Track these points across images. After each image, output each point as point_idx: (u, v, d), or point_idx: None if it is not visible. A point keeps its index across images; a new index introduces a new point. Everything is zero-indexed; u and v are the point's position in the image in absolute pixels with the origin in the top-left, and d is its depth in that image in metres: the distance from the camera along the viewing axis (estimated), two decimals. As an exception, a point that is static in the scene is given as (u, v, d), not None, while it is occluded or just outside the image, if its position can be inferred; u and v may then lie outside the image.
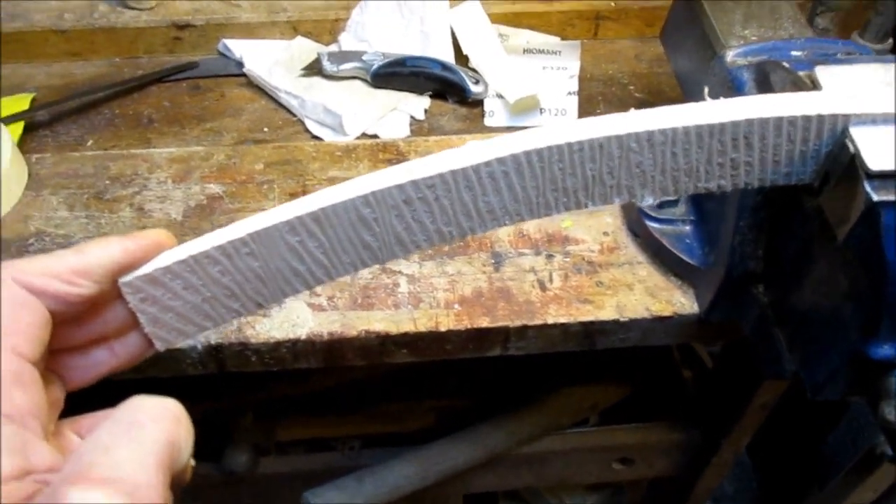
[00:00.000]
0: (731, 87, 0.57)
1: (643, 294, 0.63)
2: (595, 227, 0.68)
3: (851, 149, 0.41)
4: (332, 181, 0.71)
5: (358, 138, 0.80)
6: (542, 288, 0.64)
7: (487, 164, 0.41)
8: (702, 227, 0.64)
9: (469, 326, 0.62)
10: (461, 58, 0.87)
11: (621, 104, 0.87)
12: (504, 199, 0.43)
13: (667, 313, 0.63)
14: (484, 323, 0.62)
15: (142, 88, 0.86)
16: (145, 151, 0.74)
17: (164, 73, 0.88)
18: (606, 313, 0.63)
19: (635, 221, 0.67)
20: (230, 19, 0.89)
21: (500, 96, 0.84)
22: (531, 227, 0.68)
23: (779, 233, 0.55)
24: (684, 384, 1.13)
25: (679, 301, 0.63)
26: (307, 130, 0.82)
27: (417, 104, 0.84)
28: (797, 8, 0.67)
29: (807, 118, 0.42)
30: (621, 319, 0.62)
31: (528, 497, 1.44)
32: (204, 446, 0.97)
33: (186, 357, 0.61)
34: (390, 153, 0.74)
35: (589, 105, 0.86)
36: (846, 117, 0.42)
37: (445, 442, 0.99)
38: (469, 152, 0.41)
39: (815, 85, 0.46)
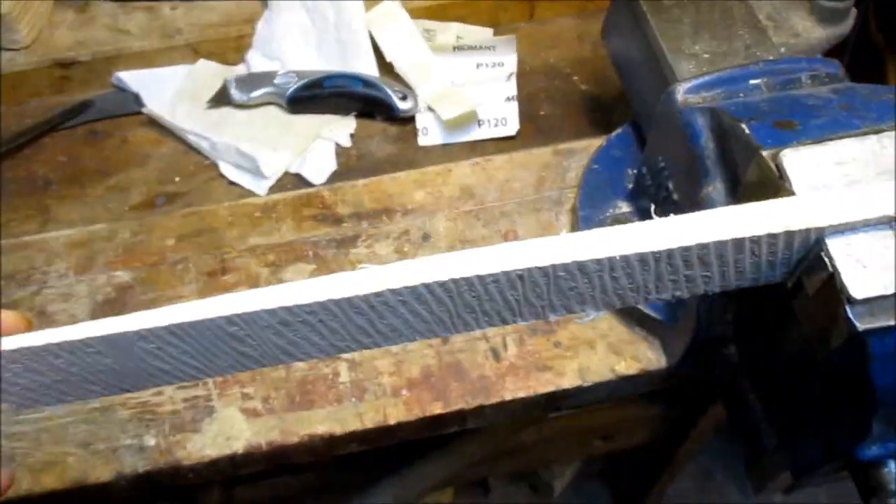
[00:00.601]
0: (686, 134, 0.50)
1: (606, 352, 0.58)
2: (548, 274, 0.62)
3: (829, 268, 0.35)
4: (254, 251, 0.64)
5: (280, 180, 0.72)
6: (497, 357, 0.58)
7: (378, 294, 0.35)
8: (664, 273, 0.58)
9: (420, 416, 0.56)
10: (385, 66, 0.78)
11: (565, 101, 0.79)
12: (409, 321, 0.37)
13: (633, 371, 0.58)
14: (436, 409, 0.56)
15: (33, 142, 0.77)
16: (40, 238, 0.66)
17: (57, 120, 0.78)
18: (568, 380, 0.57)
19: (591, 266, 0.61)
20: (120, 49, 0.78)
21: (432, 109, 0.76)
22: (478, 282, 0.62)
23: (749, 298, 0.49)
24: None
25: (646, 356, 0.58)
26: (222, 175, 0.73)
27: (342, 129, 0.76)
28: (749, 8, 0.58)
29: (773, 235, 0.35)
30: (584, 385, 0.57)
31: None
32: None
33: (112, 488, 0.55)
34: (315, 207, 0.66)
35: (531, 105, 0.78)
36: (821, 229, 0.35)
37: (424, 461, 0.95)
38: (357, 279, 0.35)
39: (780, 174, 0.39)
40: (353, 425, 0.56)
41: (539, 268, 0.35)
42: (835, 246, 0.35)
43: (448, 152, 0.75)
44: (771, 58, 0.54)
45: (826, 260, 0.35)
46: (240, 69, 0.80)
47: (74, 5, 0.82)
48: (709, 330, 0.52)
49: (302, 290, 0.34)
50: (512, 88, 0.77)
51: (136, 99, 0.78)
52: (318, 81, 0.75)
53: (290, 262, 0.63)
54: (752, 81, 0.51)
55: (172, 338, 0.34)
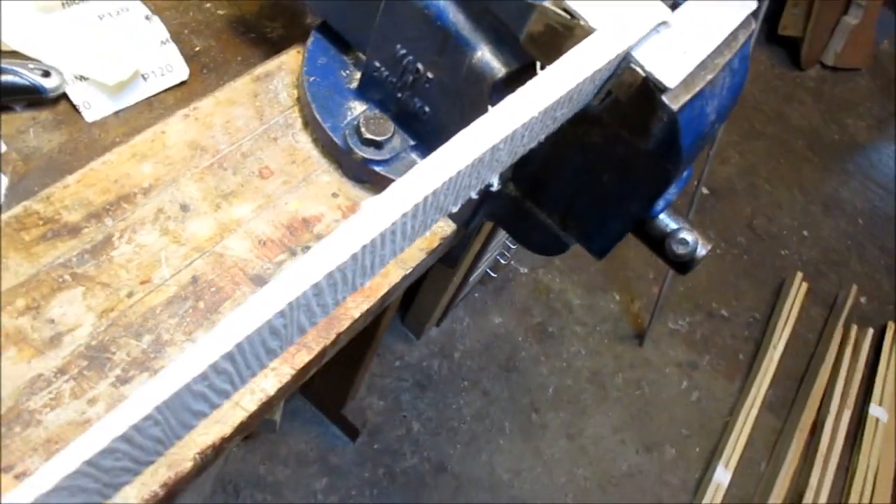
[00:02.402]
0: (430, 15, 0.54)
1: (409, 238, 0.62)
2: (321, 194, 0.62)
3: (641, 72, 0.45)
4: (-7, 305, 0.50)
5: (-59, 219, 0.56)
6: (327, 286, 0.58)
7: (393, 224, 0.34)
8: (425, 149, 0.63)
9: (293, 371, 0.54)
10: (-12, 44, 0.63)
11: (213, 31, 0.74)
12: (396, 245, 0.37)
13: (435, 244, 0.63)
14: (304, 358, 0.55)
15: None
16: None
17: None
18: (395, 275, 0.61)
19: (357, 169, 0.63)
20: None
21: (82, 79, 0.65)
22: (265, 227, 0.59)
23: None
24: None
25: (438, 227, 0.64)
26: None
27: (-17, 133, 0.61)
28: None
29: (609, 62, 0.44)
30: (407, 273, 0.61)
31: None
32: None
33: None
34: (36, 227, 0.54)
35: (182, 45, 0.71)
36: (629, 47, 0.45)
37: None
38: (370, 219, 0.33)
39: (571, 15, 0.46)
40: (239, 417, 0.51)
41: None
42: (639, 55, 0.45)
43: (125, 120, 0.66)
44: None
45: (637, 68, 0.45)
46: None
47: None
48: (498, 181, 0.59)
49: (331, 247, 0.31)
50: (162, 31, 0.70)
51: None
52: (-79, 85, 0.58)
53: (49, 295, 0.52)
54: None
55: (228, 363, 0.29)
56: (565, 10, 0.47)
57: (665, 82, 0.45)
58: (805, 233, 2.38)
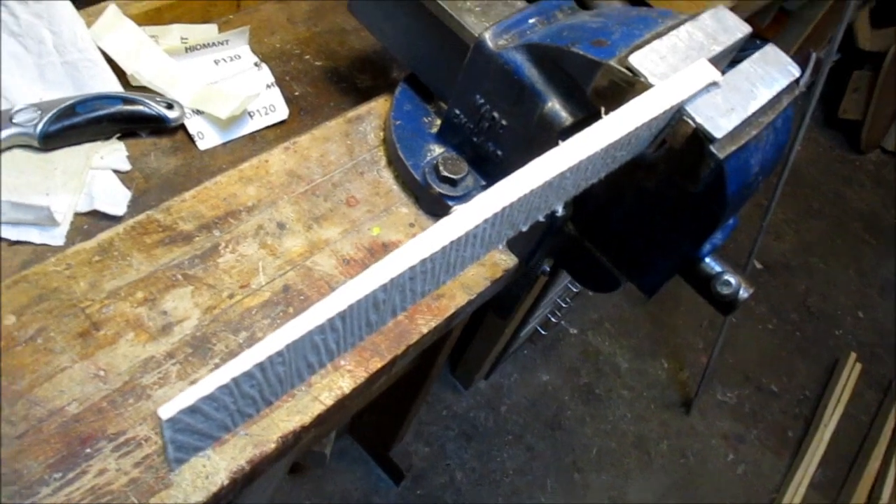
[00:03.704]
0: (508, 70, 0.62)
1: (476, 267, 0.69)
2: (399, 223, 0.70)
3: (692, 124, 0.52)
4: (116, 295, 0.59)
5: (74, 224, 0.65)
6: (400, 304, 0.65)
7: (476, 226, 0.41)
8: (494, 190, 0.71)
9: (367, 375, 0.61)
10: (122, 79, 0.74)
11: (309, 78, 0.84)
12: (476, 249, 0.44)
13: (498, 275, 0.70)
14: (378, 364, 0.61)
15: None
16: None
17: None
18: (460, 299, 0.67)
19: (434, 205, 0.70)
20: None
21: (198, 112, 0.75)
22: (348, 248, 0.67)
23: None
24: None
25: (501, 259, 0.70)
26: (-1, 238, 0.63)
27: (114, 154, 0.70)
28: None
29: (664, 111, 0.50)
30: (472, 298, 0.68)
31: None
32: None
33: (105, 587, 0.49)
34: (156, 233, 0.62)
35: (283, 90, 0.81)
36: (682, 101, 0.52)
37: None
38: (460, 220, 0.40)
39: (634, 73, 0.54)
40: (317, 409, 0.58)
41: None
42: (691, 110, 0.52)
43: (231, 150, 0.75)
44: (521, 4, 0.69)
45: (689, 120, 0.52)
46: (-51, 117, 0.67)
47: None
48: (560, 217, 0.66)
49: (431, 239, 0.38)
50: (268, 76, 0.79)
51: None
52: (69, 108, 0.68)
53: (164, 291, 0.60)
54: (530, 21, 0.65)
55: (339, 322, 0.36)
56: (628, 68, 0.54)
57: (713, 133, 0.52)
58: (860, 314, 2.36)
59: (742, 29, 0.59)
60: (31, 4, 0.69)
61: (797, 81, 0.59)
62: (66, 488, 0.50)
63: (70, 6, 0.71)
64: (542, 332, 1.92)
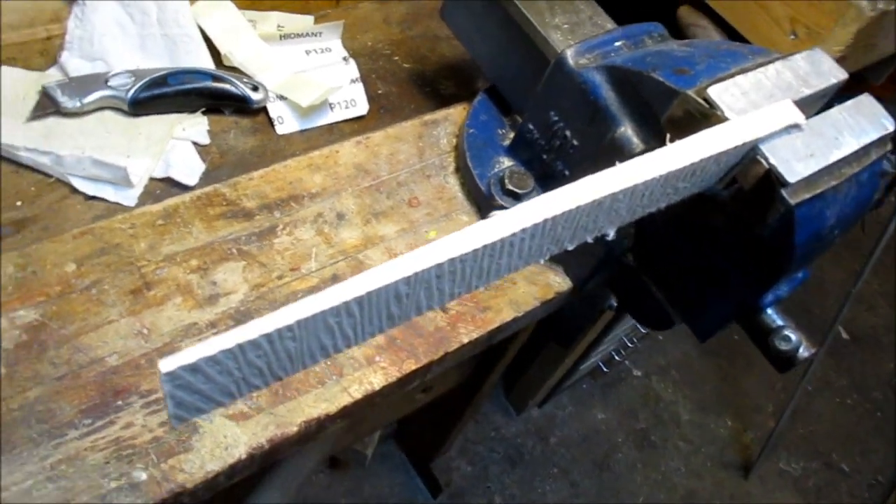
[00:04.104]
0: (586, 89, 0.61)
1: (527, 285, 0.68)
2: (456, 229, 0.68)
3: (765, 164, 0.49)
4: (173, 259, 0.60)
5: (147, 188, 0.68)
6: (444, 310, 0.64)
7: (513, 234, 0.40)
8: (557, 210, 0.69)
9: (400, 375, 0.60)
10: (216, 58, 0.76)
11: (395, 79, 0.85)
12: (513, 260, 0.43)
13: (550, 296, 0.68)
14: (411, 366, 0.61)
15: None
16: None
17: None
18: (506, 314, 0.66)
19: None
20: None
21: (282, 98, 0.77)
22: (404, 249, 0.67)
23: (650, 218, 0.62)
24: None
25: (555, 281, 0.69)
26: (77, 192, 0.66)
27: (196, 127, 0.73)
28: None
29: (736, 146, 0.48)
30: (519, 315, 0.66)
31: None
32: None
33: (112, 536, 0.50)
34: (220, 206, 0.64)
35: (368, 86, 0.83)
36: (756, 139, 0.49)
37: (292, 456, 0.96)
38: (494, 226, 0.39)
39: (711, 105, 0.52)
40: (344, 400, 0.58)
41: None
42: (766, 149, 0.49)
43: (307, 137, 0.77)
44: (610, 26, 0.68)
45: (762, 160, 0.49)
46: (52, 73, 0.71)
47: None
48: (620, 244, 0.64)
49: (457, 242, 0.38)
50: (354, 71, 0.81)
51: (-75, 119, 0.65)
52: (161, 79, 0.71)
53: (217, 262, 0.61)
54: (616, 43, 0.64)
55: (356, 307, 0.36)
56: (705, 100, 0.52)
57: (786, 177, 0.49)
58: (951, 404, 2.20)
59: (837, 74, 0.56)
60: (142, -23, 0.73)
61: (893, 138, 0.55)
62: (93, 435, 0.52)
63: (177, -17, 0.75)
64: (604, 370, 1.87)
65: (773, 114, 0.50)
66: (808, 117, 0.51)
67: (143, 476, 0.51)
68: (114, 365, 0.55)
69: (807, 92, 0.54)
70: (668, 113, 0.55)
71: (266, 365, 0.35)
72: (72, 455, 0.51)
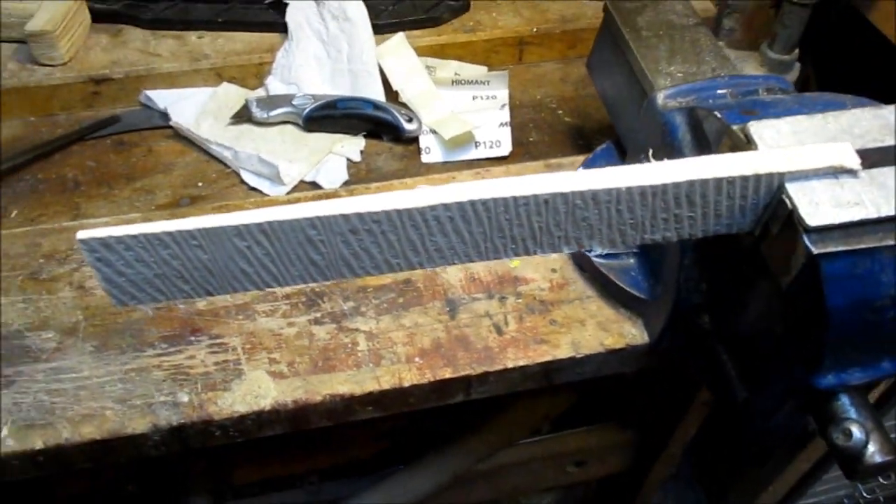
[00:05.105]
0: (665, 129, 0.59)
1: (595, 329, 0.66)
2: (543, 265, 0.70)
3: (789, 205, 0.44)
4: (278, 239, 0.70)
5: (296, 187, 0.80)
6: (499, 332, 0.65)
7: (433, 207, 0.42)
8: (645, 260, 0.67)
9: (432, 379, 0.62)
10: (391, 94, 0.87)
11: (552, 130, 0.89)
12: (451, 241, 0.44)
13: (619, 346, 0.65)
14: (446, 374, 0.63)
15: (62, 149, 0.83)
16: (77, 223, 0.71)
17: (86, 130, 0.84)
18: (563, 352, 0.64)
19: (581, 256, 0.69)
20: (150, 70, 0.86)
21: (434, 132, 0.85)
22: (481, 269, 0.69)
23: (720, 268, 0.58)
24: (629, 385, 1.17)
25: (630, 332, 0.66)
26: (243, 182, 0.81)
27: (353, 146, 0.84)
28: (714, 38, 0.70)
29: (745, 178, 0.44)
30: (577, 356, 0.64)
31: (487, 504, 1.46)
32: (161, 496, 0.95)
33: (147, 441, 0.59)
34: (333, 204, 0.74)
35: (522, 133, 0.87)
36: (781, 175, 0.44)
37: (408, 470, 1.00)
38: (416, 194, 0.42)
39: (748, 140, 0.48)
40: (371, 386, 0.62)
41: (561, 193, 0.43)
42: (793, 188, 0.44)
43: (448, 169, 0.84)
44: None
45: (786, 200, 0.44)
46: (259, 92, 0.88)
47: (110, 30, 0.90)
48: (687, 299, 0.60)
49: (371, 201, 0.41)
50: (505, 116, 0.86)
51: (163, 115, 0.85)
52: (332, 103, 0.84)
53: (312, 249, 0.70)
54: (720, 91, 0.61)
55: (262, 237, 0.41)
56: (745, 134, 0.48)
57: (807, 220, 0.43)
58: None
59: (947, 129, 0.48)
60: (341, 21, 0.88)
61: None
62: (162, 356, 0.63)
63: (369, 29, 0.88)
64: (835, 519, 1.59)
65: (813, 153, 0.45)
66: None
67: (185, 399, 0.60)
68: (200, 308, 0.66)
69: (888, 142, 0.47)
70: (719, 149, 0.52)
71: (184, 269, 0.42)
72: (142, 367, 0.62)
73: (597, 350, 0.65)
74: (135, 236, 0.40)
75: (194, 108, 0.85)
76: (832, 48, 1.03)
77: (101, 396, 0.60)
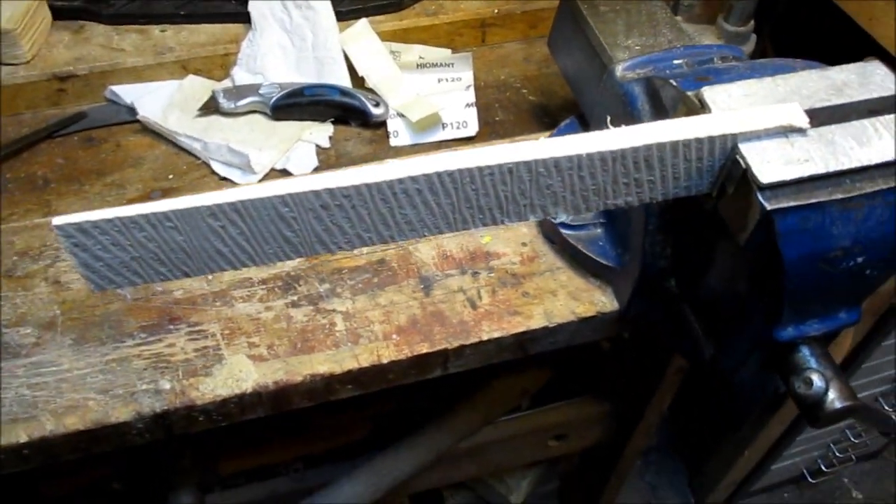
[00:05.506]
0: (625, 100, 0.61)
1: (567, 299, 0.67)
2: (513, 239, 0.71)
3: (742, 164, 0.46)
4: (252, 226, 0.71)
5: (267, 175, 0.81)
6: (473, 306, 0.67)
7: (401, 181, 0.44)
8: (612, 229, 0.68)
9: (410, 355, 0.64)
10: (357, 80, 0.88)
11: (517, 109, 0.90)
12: (421, 213, 0.46)
13: (590, 314, 0.67)
14: (423, 349, 0.64)
15: (30, 147, 0.83)
16: (49, 220, 0.71)
17: (53, 127, 0.84)
18: (536, 322, 0.66)
19: (550, 229, 0.71)
20: (115, 65, 0.86)
21: (401, 115, 0.86)
22: (454, 246, 0.71)
23: (683, 231, 0.60)
24: (604, 357, 1.19)
25: (600, 300, 0.68)
26: (214, 173, 0.81)
27: (321, 133, 0.85)
28: (670, 12, 0.71)
29: (699, 140, 0.46)
30: (550, 326, 0.66)
31: (471, 483, 1.49)
32: (147, 492, 0.96)
33: (131, 429, 0.60)
34: (305, 190, 0.74)
35: (487, 113, 0.89)
36: (734, 136, 0.46)
37: (390, 452, 1.01)
38: (384, 169, 0.43)
39: (703, 105, 0.50)
40: (350, 365, 0.63)
41: (525, 162, 0.44)
42: (746, 148, 0.46)
43: (416, 150, 0.85)
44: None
45: (740, 160, 0.46)
46: (225, 83, 0.89)
47: (71, 27, 0.89)
48: (653, 265, 0.62)
49: (341, 176, 0.43)
50: (470, 97, 0.88)
51: (130, 110, 0.86)
52: (298, 90, 0.85)
53: (285, 234, 0.71)
54: (676, 61, 0.63)
55: (236, 216, 0.42)
56: (699, 100, 0.50)
57: (760, 177, 0.45)
58: None
59: (888, 87, 0.50)
60: (304, 10, 0.88)
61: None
62: (142, 346, 0.63)
63: (332, 16, 0.89)
64: (810, 480, 1.64)
65: (766, 114, 0.47)
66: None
67: (167, 386, 0.61)
68: (178, 298, 0.66)
69: (833, 102, 0.49)
70: (674, 115, 0.53)
71: (160, 251, 0.43)
72: (123, 357, 0.63)
73: (569, 319, 0.67)
74: (110, 220, 0.41)
75: (161, 102, 0.85)
76: (787, 20, 1.05)
77: (82, 388, 0.61)
